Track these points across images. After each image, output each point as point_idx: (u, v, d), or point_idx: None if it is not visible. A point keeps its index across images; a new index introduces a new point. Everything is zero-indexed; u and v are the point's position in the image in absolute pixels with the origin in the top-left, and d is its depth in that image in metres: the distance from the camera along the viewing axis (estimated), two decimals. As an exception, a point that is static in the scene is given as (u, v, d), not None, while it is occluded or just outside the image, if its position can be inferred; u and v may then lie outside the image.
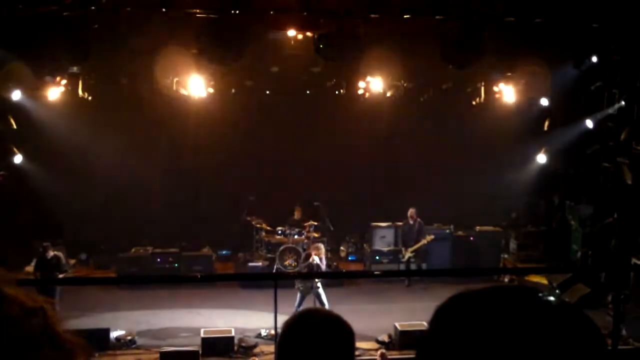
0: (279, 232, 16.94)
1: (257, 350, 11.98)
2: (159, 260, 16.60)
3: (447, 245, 17.29)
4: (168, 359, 11.24)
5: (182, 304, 14.22)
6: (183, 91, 15.42)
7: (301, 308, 11.30)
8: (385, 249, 17.33)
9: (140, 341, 12.47)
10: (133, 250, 16.96)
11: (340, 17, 12.13)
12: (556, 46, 13.75)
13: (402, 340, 11.86)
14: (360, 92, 16.89)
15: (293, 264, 16.11)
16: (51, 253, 13.30)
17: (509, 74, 15.41)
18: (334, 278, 14.96)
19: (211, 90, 15.85)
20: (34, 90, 15.19)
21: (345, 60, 12.72)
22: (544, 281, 15.42)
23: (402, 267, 16.66)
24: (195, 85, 15.14)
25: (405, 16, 12.34)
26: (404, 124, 18.11)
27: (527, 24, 12.46)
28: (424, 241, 16.53)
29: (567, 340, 1.05)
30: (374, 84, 15.73)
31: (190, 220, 17.99)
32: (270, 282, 12.76)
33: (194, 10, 12.08)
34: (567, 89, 15.54)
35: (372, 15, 12.09)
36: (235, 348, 11.91)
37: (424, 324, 10.85)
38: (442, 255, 17.08)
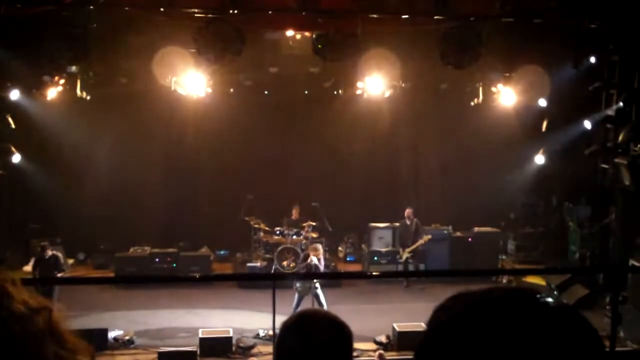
0: (277, 232, 16.93)
1: (255, 350, 11.98)
2: (157, 260, 16.60)
3: (446, 246, 17.29)
4: (166, 359, 11.24)
5: (181, 304, 14.22)
6: (181, 91, 15.41)
7: (299, 309, 11.30)
8: (384, 249, 17.32)
9: (138, 341, 12.46)
10: (131, 250, 16.96)
11: (339, 17, 12.14)
12: (554, 47, 13.76)
13: (400, 341, 11.86)
14: (358, 92, 16.90)
15: (291, 265, 16.12)
16: (49, 252, 13.30)
17: (507, 74, 15.40)
18: (332, 279, 14.96)
19: (209, 89, 15.84)
20: (32, 89, 15.17)
21: (343, 60, 12.71)
22: (542, 282, 15.43)
23: (400, 267, 16.66)
24: (193, 85, 15.13)
25: (403, 16, 12.35)
26: (402, 124, 18.11)
27: (526, 25, 12.47)
28: (421, 241, 16.53)
29: (564, 342, 1.06)
30: (372, 84, 15.72)
31: (189, 220, 17.99)
32: (268, 282, 12.76)
33: (192, 10, 12.09)
34: (565, 89, 15.53)
35: (371, 15, 12.09)
36: (233, 348, 11.91)
37: (422, 325, 10.84)
38: (441, 256, 17.08)
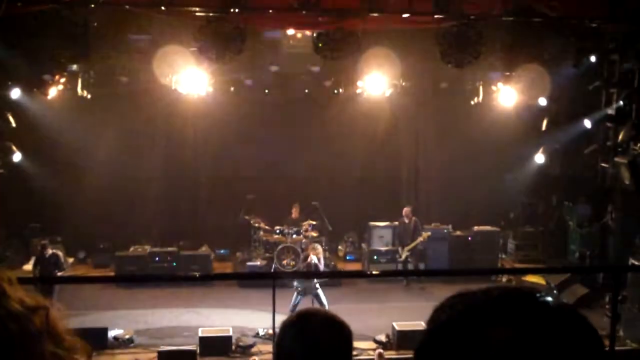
0: (277, 231, 16.93)
1: (254, 349, 11.98)
2: (157, 259, 16.60)
3: (445, 245, 17.28)
4: (166, 358, 11.24)
5: (180, 303, 14.22)
6: (182, 90, 15.41)
7: (297, 309, 11.30)
8: (384, 248, 17.32)
9: (138, 340, 12.46)
10: (131, 249, 16.97)
11: (339, 15, 12.14)
12: (554, 45, 13.76)
13: (400, 340, 11.86)
14: (358, 91, 16.90)
15: (291, 264, 16.12)
16: (50, 251, 13.30)
17: (508, 73, 15.41)
18: (332, 278, 14.96)
19: (210, 88, 15.84)
20: (33, 88, 15.17)
21: (344, 59, 12.71)
22: (542, 281, 15.43)
23: (400, 266, 16.66)
24: (194, 84, 15.14)
25: (404, 15, 12.35)
26: (403, 123, 18.11)
27: (526, 23, 12.47)
28: (420, 239, 16.52)
29: (564, 341, 1.06)
30: (372, 83, 15.72)
31: (189, 219, 17.99)
32: (268, 281, 12.77)
33: (193, 9, 12.09)
34: (566, 88, 15.55)
35: (371, 14, 12.09)
36: (233, 347, 11.91)
37: (421, 324, 10.85)
38: (440, 255, 17.08)
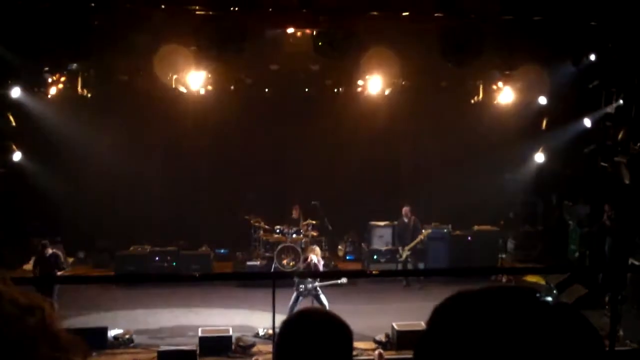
0: (277, 231, 16.93)
1: (255, 349, 11.96)
2: (157, 258, 16.60)
3: (445, 245, 17.29)
4: (166, 358, 11.23)
5: (180, 303, 14.21)
6: (182, 88, 15.42)
7: (296, 308, 11.30)
8: (383, 248, 17.31)
9: (138, 340, 12.44)
10: (131, 248, 16.97)
11: (340, 14, 12.14)
12: (554, 44, 13.76)
13: (400, 340, 11.84)
14: (359, 90, 16.90)
15: (291, 263, 16.12)
16: (50, 251, 13.28)
17: (508, 72, 15.41)
18: (332, 278, 14.94)
19: (210, 87, 15.85)
20: (33, 87, 15.17)
21: (344, 58, 12.71)
22: (542, 281, 15.43)
23: (400, 266, 16.66)
24: (194, 83, 15.14)
25: (404, 14, 12.35)
26: (403, 122, 18.10)
27: (526, 22, 12.47)
28: (420, 236, 16.52)
29: (564, 341, 1.05)
30: (372, 82, 15.73)
31: (189, 218, 17.99)
32: (268, 281, 12.76)
33: (194, 7, 12.09)
34: (565, 87, 15.55)
35: (371, 13, 12.09)
36: (233, 347, 11.89)
37: (421, 324, 10.84)
38: (440, 254, 17.08)
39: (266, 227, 17.20)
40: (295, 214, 17.24)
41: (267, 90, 17.51)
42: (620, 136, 14.28)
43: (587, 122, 15.48)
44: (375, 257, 17.22)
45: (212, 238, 17.82)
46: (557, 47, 13.94)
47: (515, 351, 1.03)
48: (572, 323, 1.09)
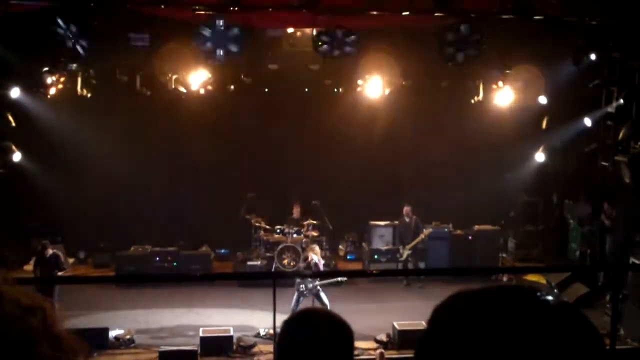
0: (278, 230, 16.93)
1: (255, 349, 11.98)
2: (157, 258, 16.60)
3: (446, 244, 17.29)
4: (167, 358, 11.24)
5: (181, 303, 14.22)
6: (182, 88, 15.41)
7: (298, 309, 11.31)
8: (384, 247, 17.32)
9: (138, 340, 12.46)
10: (132, 248, 16.97)
11: (339, 14, 12.13)
12: (555, 44, 13.76)
13: (401, 339, 11.86)
14: (358, 89, 16.89)
15: (292, 263, 16.12)
16: (50, 251, 13.29)
17: (508, 72, 15.41)
18: (332, 277, 14.94)
19: (209, 87, 15.83)
20: (33, 87, 15.16)
21: (344, 57, 12.70)
22: (542, 280, 15.44)
23: (400, 266, 16.65)
24: (193, 82, 15.14)
25: (404, 13, 12.34)
26: (402, 122, 18.09)
27: (526, 22, 12.47)
28: (422, 235, 16.52)
29: (565, 340, 1.05)
30: (372, 82, 15.72)
31: (189, 218, 17.99)
32: (268, 281, 12.76)
33: (193, 7, 12.08)
34: (566, 87, 15.54)
35: (371, 13, 12.09)
36: (234, 347, 11.91)
37: (422, 324, 10.85)
38: (441, 254, 17.08)
39: (267, 226, 17.20)
40: (295, 213, 17.23)
41: (266, 89, 17.49)
42: (620, 135, 14.27)
43: (588, 122, 15.48)
44: (375, 256, 17.22)
45: (213, 238, 17.82)
46: (557, 47, 13.94)
47: (516, 350, 1.03)
48: (573, 322, 1.09)
